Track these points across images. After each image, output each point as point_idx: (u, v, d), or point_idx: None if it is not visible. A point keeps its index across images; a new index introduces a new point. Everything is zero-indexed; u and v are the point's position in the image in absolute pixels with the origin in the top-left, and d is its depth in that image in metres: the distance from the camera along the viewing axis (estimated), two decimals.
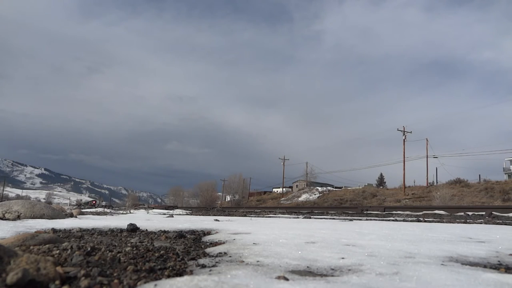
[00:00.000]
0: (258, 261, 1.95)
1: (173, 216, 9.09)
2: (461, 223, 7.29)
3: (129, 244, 2.64)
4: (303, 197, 52.16)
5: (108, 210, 15.70)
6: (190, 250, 2.44)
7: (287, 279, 1.53)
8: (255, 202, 58.70)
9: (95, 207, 27.62)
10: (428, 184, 43.68)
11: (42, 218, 5.62)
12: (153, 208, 26.36)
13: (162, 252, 2.24)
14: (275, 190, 74.51)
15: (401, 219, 9.56)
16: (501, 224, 6.76)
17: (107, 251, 2.10)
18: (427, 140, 45.42)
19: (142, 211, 16.97)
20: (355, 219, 8.82)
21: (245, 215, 12.12)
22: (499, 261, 2.17)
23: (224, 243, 2.79)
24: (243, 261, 1.96)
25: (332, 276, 1.66)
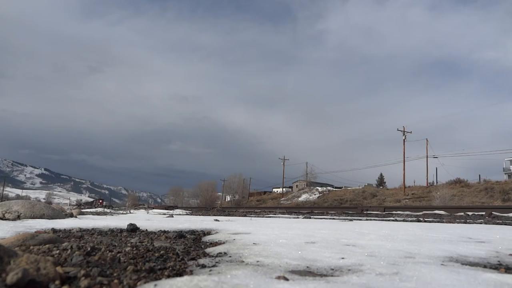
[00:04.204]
0: (258, 261, 1.95)
1: (173, 216, 9.09)
2: (461, 223, 7.29)
3: (129, 244, 2.64)
4: (303, 197, 52.15)
5: (108, 210, 15.70)
6: (190, 250, 2.44)
7: (287, 279, 1.53)
8: (255, 202, 58.69)
9: (95, 207, 27.61)
10: (428, 184, 43.68)
11: (42, 218, 5.62)
12: (153, 208, 26.37)
13: (162, 252, 2.24)
14: (275, 190, 74.49)
15: (401, 219, 9.56)
16: (501, 224, 6.76)
17: (107, 251, 2.10)
18: (427, 140, 45.47)
19: (142, 211, 16.97)
20: (355, 219, 8.82)
21: (245, 215, 12.12)
22: (499, 261, 2.17)
23: (224, 243, 2.79)
24: (243, 261, 1.96)
25: (332, 276, 1.66)
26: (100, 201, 50.28)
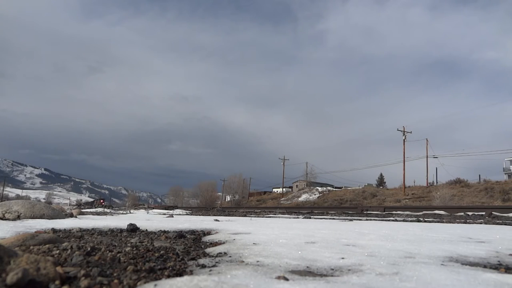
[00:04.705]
0: (258, 261, 1.95)
1: (173, 216, 9.09)
2: (461, 223, 7.29)
3: (129, 244, 2.64)
4: (303, 197, 52.15)
5: (108, 210, 15.70)
6: (190, 250, 2.44)
7: (287, 279, 1.53)
8: (255, 202, 58.69)
9: (95, 207, 27.62)
10: (428, 184, 43.68)
11: (42, 218, 5.62)
12: (153, 208, 26.37)
13: (162, 252, 2.24)
14: (275, 190, 74.49)
15: (401, 219, 9.56)
16: (501, 224, 6.76)
17: (107, 251, 2.10)
18: (427, 140, 45.48)
19: (142, 211, 16.97)
20: (355, 219, 8.82)
21: (245, 215, 12.12)
22: (499, 261, 2.17)
23: (224, 243, 2.79)
24: (243, 261, 1.96)
25: (332, 276, 1.66)
26: (101, 200, 50.25)
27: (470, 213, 13.15)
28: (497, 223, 7.17)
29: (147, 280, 1.44)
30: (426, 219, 9.15)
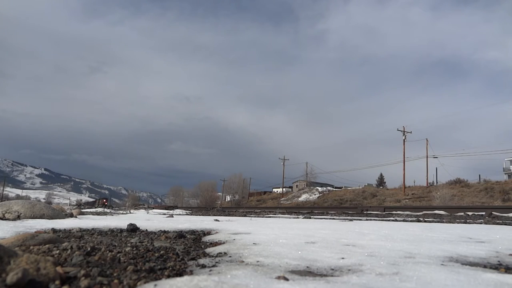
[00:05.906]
0: (258, 261, 1.95)
1: (173, 216, 9.09)
2: (461, 223, 7.29)
3: (129, 244, 2.64)
4: (303, 197, 52.15)
5: (108, 210, 15.70)
6: (190, 250, 2.44)
7: (287, 279, 1.53)
8: (255, 202, 58.70)
9: (95, 207, 27.62)
10: (428, 184, 43.68)
11: (42, 218, 5.62)
12: (153, 208, 26.37)
13: (162, 252, 2.24)
14: (275, 190, 74.49)
15: (401, 219, 9.56)
16: (501, 224, 6.76)
17: (107, 251, 2.10)
18: (427, 140, 45.49)
19: (142, 211, 16.97)
20: (355, 219, 8.82)
21: (245, 215, 12.12)
22: (499, 261, 2.17)
23: (224, 243, 2.79)
24: (243, 261, 1.96)
25: (332, 276, 1.66)
26: (104, 200, 49.84)
27: (470, 213, 13.15)
28: (497, 223, 7.17)
29: (147, 280, 1.44)
30: (426, 219, 9.14)
